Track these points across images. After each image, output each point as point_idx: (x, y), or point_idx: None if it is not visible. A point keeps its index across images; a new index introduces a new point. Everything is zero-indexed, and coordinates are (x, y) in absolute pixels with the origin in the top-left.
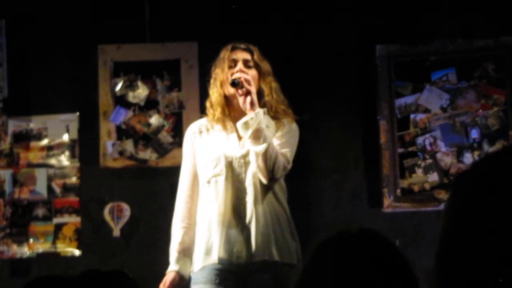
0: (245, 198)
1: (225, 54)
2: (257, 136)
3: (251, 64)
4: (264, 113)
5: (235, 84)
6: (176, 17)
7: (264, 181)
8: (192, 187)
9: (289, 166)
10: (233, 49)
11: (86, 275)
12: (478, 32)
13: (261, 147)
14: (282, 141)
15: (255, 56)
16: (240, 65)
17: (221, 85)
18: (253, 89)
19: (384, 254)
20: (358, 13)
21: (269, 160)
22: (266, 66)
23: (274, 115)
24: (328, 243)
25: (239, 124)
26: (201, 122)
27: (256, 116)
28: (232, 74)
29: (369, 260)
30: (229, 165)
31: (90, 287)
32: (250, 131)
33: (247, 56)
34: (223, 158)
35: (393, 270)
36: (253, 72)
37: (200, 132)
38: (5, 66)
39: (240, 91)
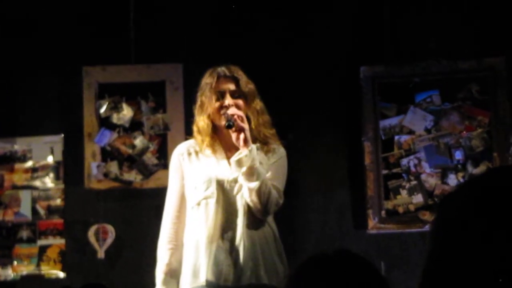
0: (235, 221)
1: (211, 82)
2: (251, 173)
3: (237, 94)
4: (257, 149)
5: (230, 126)
6: (161, 39)
7: (258, 215)
8: (179, 208)
9: (281, 201)
10: (219, 78)
11: None
12: (462, 54)
13: (255, 184)
14: (274, 172)
15: (241, 83)
16: (228, 98)
17: (210, 116)
18: (246, 126)
19: (361, 275)
20: (342, 34)
21: (262, 196)
22: (251, 89)
23: (263, 140)
24: (307, 265)
25: (233, 161)
26: (189, 144)
27: (250, 153)
28: (221, 106)
29: (346, 281)
30: (220, 188)
31: None
32: (244, 169)
33: (232, 86)
34: (214, 181)
35: None
36: (239, 102)
37: (189, 154)
38: None
39: (232, 129)
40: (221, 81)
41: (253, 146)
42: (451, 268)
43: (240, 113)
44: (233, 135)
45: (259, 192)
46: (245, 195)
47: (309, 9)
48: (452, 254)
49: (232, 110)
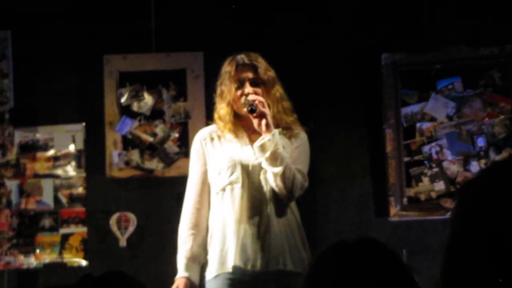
0: (261, 206)
1: (230, 70)
2: (275, 158)
3: (258, 81)
4: (280, 133)
5: (252, 110)
6: (182, 27)
7: (283, 199)
8: (201, 193)
9: (307, 184)
10: (238, 66)
11: (84, 281)
12: (484, 40)
13: (279, 169)
14: (297, 156)
15: (260, 71)
16: (247, 86)
17: (230, 104)
18: (267, 111)
19: (383, 263)
20: (363, 22)
21: (287, 180)
22: (271, 76)
23: (283, 126)
24: (327, 254)
25: (256, 146)
26: (211, 129)
27: (273, 138)
28: (241, 94)
29: (368, 269)
30: (246, 172)
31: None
32: (267, 154)
33: (252, 74)
34: (239, 166)
35: (393, 279)
36: (259, 90)
37: (212, 139)
38: (11, 77)
39: (254, 114)
40: (240, 69)
41: (276, 131)
42: (471, 254)
43: (261, 98)
44: (255, 121)
45: (284, 176)
46: (269, 180)
47: None
48: (473, 240)
49: (252, 96)
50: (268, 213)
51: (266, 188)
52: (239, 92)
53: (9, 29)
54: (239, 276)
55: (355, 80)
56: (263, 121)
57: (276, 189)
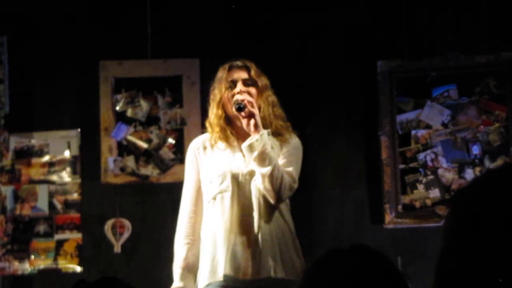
0: (251, 214)
1: (222, 74)
2: (263, 158)
3: (250, 82)
4: (269, 134)
5: (240, 109)
6: (178, 34)
7: (272, 201)
8: (195, 202)
9: (295, 186)
10: (230, 68)
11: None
12: (480, 48)
13: (267, 169)
14: (287, 159)
15: (252, 73)
16: (240, 86)
17: (221, 106)
18: (256, 111)
19: (378, 270)
20: (360, 28)
21: (275, 181)
22: (263, 81)
23: (274, 131)
24: (321, 261)
25: (244, 146)
26: (205, 137)
27: (261, 138)
28: (232, 95)
29: (363, 276)
30: (236, 181)
31: None
32: (255, 154)
33: (244, 74)
34: (229, 174)
35: (388, 286)
36: (252, 90)
37: (204, 147)
38: (7, 83)
39: (243, 113)
40: (233, 71)
41: (264, 131)
42: (464, 263)
43: (250, 98)
44: (244, 121)
45: (272, 177)
46: (257, 181)
47: (326, 3)
48: (466, 249)
49: (241, 96)
50: (258, 221)
51: (256, 196)
52: (231, 93)
53: (5, 35)
54: (231, 285)
55: (351, 87)
56: (252, 121)
57: (264, 190)
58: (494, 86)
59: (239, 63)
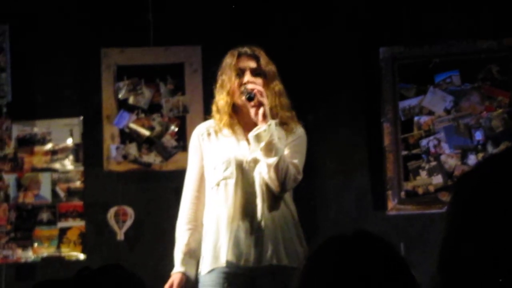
0: (255, 201)
1: (231, 61)
2: (269, 148)
3: (257, 71)
4: (276, 125)
5: (251, 98)
6: (180, 21)
7: (276, 192)
8: (198, 188)
9: (300, 177)
10: (239, 56)
11: (82, 273)
12: (482, 34)
13: (273, 160)
14: (292, 150)
15: (261, 62)
16: (248, 75)
17: (229, 93)
18: (265, 101)
19: (381, 256)
20: (361, 15)
21: (280, 172)
22: (271, 70)
23: (280, 121)
24: (324, 247)
25: (251, 136)
26: (209, 124)
27: (268, 129)
28: (240, 84)
29: (365, 262)
30: (240, 168)
31: (90, 284)
32: (262, 144)
33: (253, 63)
34: (233, 161)
35: (391, 272)
36: (258, 81)
37: (209, 134)
38: (9, 71)
39: (252, 103)
40: (241, 59)
41: (272, 122)
42: (467, 248)
43: (260, 88)
44: (252, 110)
45: (277, 167)
46: (263, 171)
47: None
48: (469, 234)
49: (251, 85)
50: (261, 208)
51: (260, 184)
52: (239, 81)
53: (7, 23)
54: (233, 271)
55: (353, 74)
56: (260, 111)
57: (268, 180)
58: (496, 72)
59: (248, 50)
